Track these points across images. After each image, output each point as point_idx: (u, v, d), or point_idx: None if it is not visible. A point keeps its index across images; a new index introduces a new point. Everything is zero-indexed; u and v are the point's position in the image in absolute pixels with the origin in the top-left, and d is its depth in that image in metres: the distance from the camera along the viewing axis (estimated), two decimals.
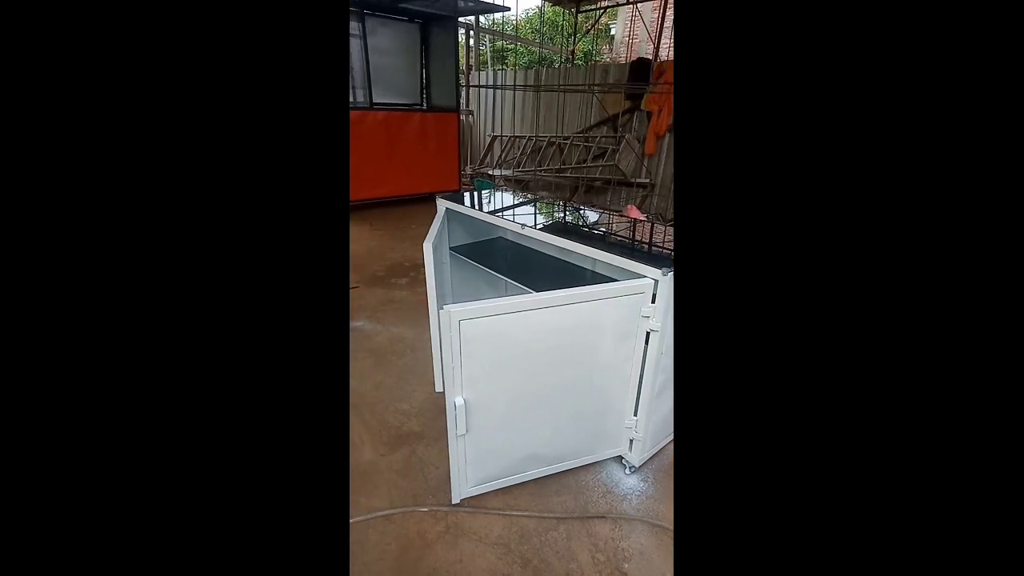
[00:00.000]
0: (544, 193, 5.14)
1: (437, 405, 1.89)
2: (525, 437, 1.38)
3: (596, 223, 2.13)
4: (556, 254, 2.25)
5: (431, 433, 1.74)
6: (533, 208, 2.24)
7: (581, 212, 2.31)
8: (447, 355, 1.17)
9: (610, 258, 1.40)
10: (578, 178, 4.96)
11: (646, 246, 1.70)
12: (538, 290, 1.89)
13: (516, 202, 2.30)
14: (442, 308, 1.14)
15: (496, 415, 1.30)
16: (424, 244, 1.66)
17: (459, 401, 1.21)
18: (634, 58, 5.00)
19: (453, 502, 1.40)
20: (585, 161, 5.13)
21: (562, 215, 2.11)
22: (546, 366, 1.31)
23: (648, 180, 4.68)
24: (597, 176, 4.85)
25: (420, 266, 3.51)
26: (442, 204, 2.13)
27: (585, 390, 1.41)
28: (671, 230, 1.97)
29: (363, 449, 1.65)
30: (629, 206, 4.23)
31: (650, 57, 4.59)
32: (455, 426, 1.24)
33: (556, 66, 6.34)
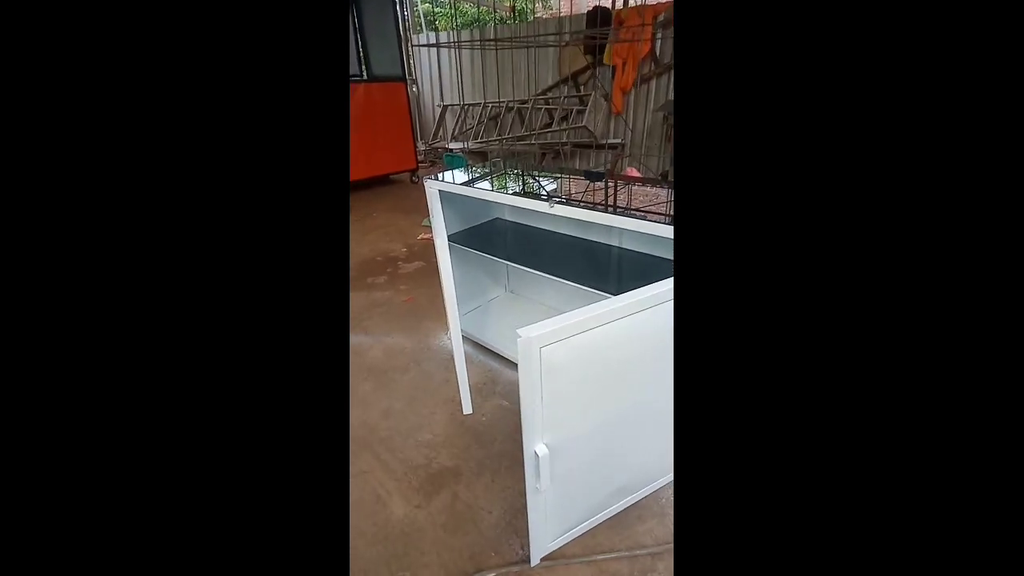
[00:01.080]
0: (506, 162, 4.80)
1: (466, 428, 1.60)
2: (610, 470, 1.13)
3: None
4: (569, 231, 1.97)
5: (469, 466, 1.45)
6: (519, 181, 1.93)
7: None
8: (528, 395, 0.88)
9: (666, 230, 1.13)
10: (544, 144, 4.63)
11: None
12: (566, 277, 1.61)
13: (499, 175, 1.97)
14: (519, 337, 0.84)
15: (581, 454, 1.03)
16: (436, 240, 1.33)
17: (542, 451, 0.93)
18: (590, 7, 4.64)
19: (532, 564, 1.14)
20: (549, 125, 4.80)
21: (551, 185, 1.82)
22: (629, 383, 1.05)
23: (619, 140, 4.44)
24: (565, 141, 4.55)
25: (396, 260, 3.12)
26: (433, 186, 1.77)
27: (667, 400, 1.16)
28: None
29: (391, 502, 1.35)
30: (629, 168, 3.99)
31: (607, 5, 4.26)
32: (535, 481, 0.97)
33: (502, 24, 5.85)
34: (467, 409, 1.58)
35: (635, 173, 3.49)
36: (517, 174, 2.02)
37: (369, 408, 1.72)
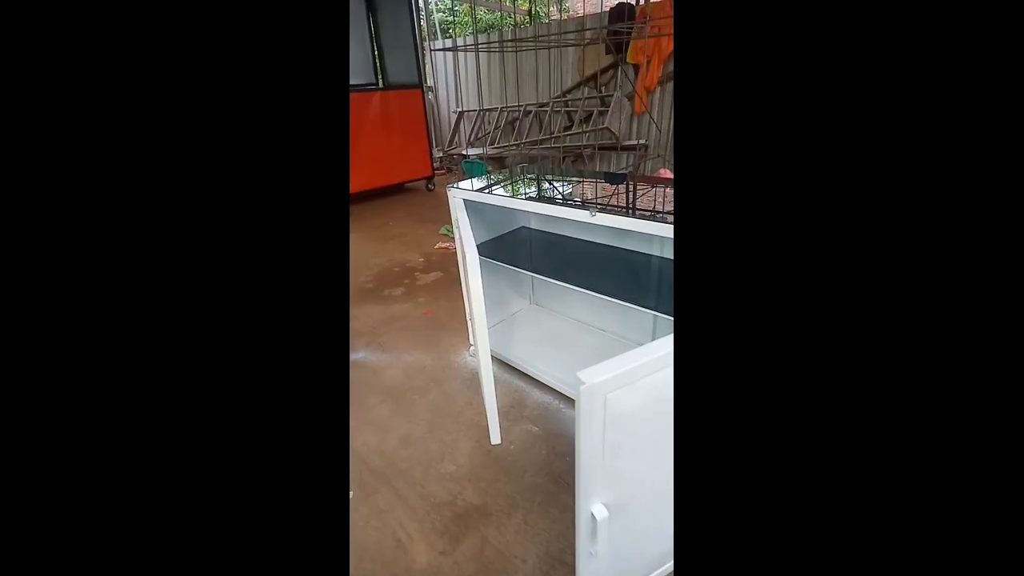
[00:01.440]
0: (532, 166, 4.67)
1: (493, 458, 1.45)
2: (664, 524, 0.96)
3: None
4: (601, 239, 1.81)
5: (498, 504, 1.30)
6: (539, 185, 1.78)
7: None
8: (587, 449, 0.73)
9: None
10: (565, 147, 4.48)
11: None
12: (600, 290, 1.46)
13: (526, 182, 1.83)
14: (582, 384, 0.69)
15: (639, 509, 0.87)
16: (467, 254, 1.18)
17: (600, 513, 0.77)
18: (608, 6, 4.50)
19: None
20: (569, 128, 4.66)
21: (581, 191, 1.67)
22: None
23: (642, 141, 4.26)
24: (585, 143, 4.39)
25: (414, 271, 3.00)
26: (457, 195, 1.64)
27: None
28: None
29: (413, 548, 1.20)
30: (663, 169, 3.82)
31: (631, 1, 4.11)
32: (590, 545, 0.81)
33: (521, 27, 5.74)
34: (495, 439, 1.43)
35: (668, 174, 3.30)
36: (537, 178, 1.88)
37: (387, 435, 1.59)
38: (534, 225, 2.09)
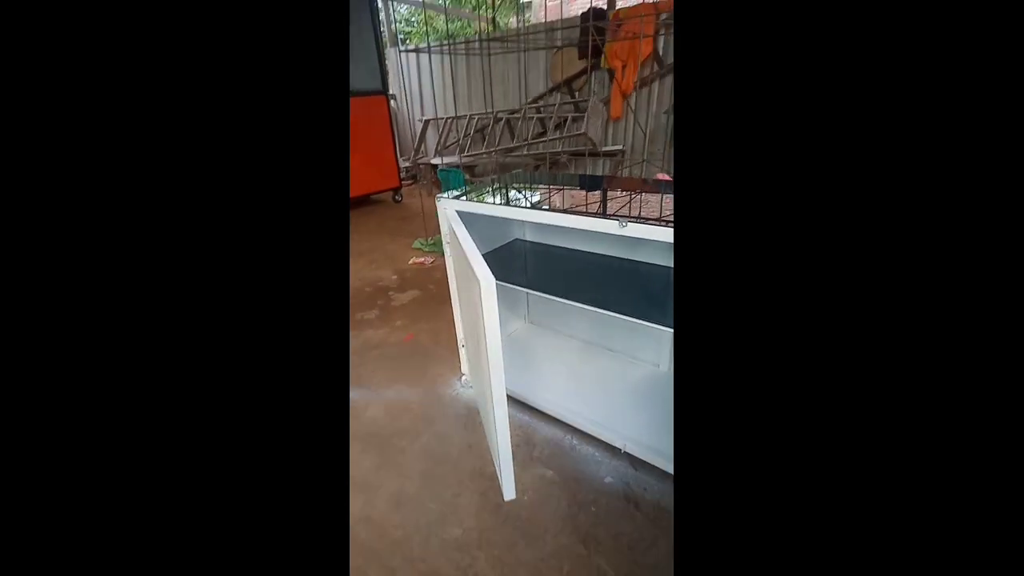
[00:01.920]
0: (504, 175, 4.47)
1: (505, 515, 1.21)
2: None
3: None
4: (604, 250, 1.62)
5: None
6: (534, 194, 1.58)
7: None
8: None
9: None
10: (538, 155, 4.32)
11: None
12: (610, 307, 1.26)
13: (512, 191, 1.62)
14: None
15: None
16: (478, 270, 0.95)
17: None
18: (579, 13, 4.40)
19: None
20: (542, 135, 4.50)
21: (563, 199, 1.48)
22: None
23: (620, 147, 4.16)
24: (561, 150, 4.25)
25: (387, 290, 2.72)
26: (448, 206, 1.41)
27: None
28: None
29: None
30: (660, 174, 3.68)
31: (603, 6, 4.02)
32: None
33: (483, 36, 5.58)
34: (509, 494, 1.19)
35: (665, 177, 3.18)
36: (526, 186, 1.67)
37: (374, 494, 1.31)
38: (529, 237, 1.87)
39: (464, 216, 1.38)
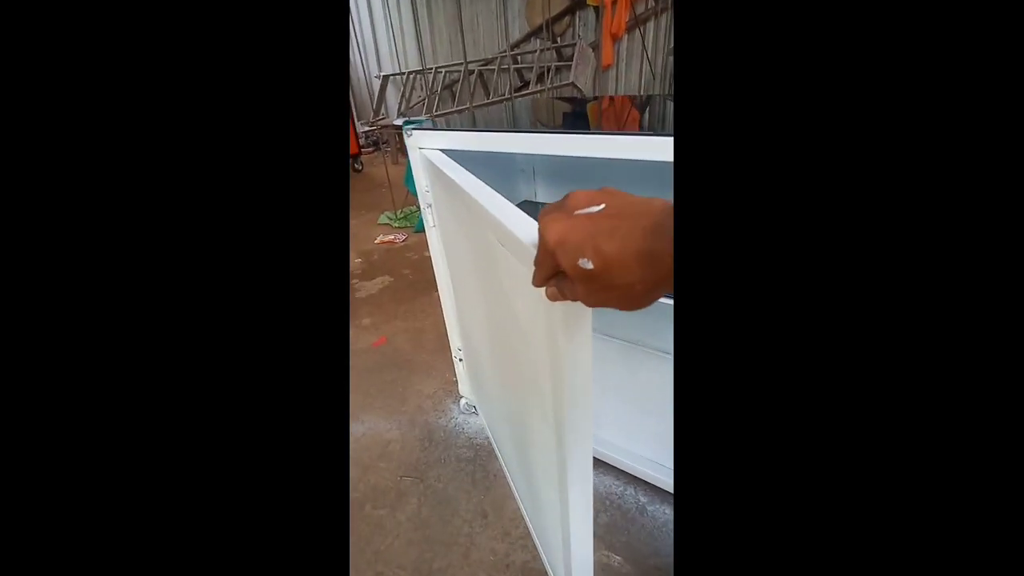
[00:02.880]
0: None
1: None
2: None
3: None
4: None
5: None
6: None
7: None
8: None
9: None
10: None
11: None
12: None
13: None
14: None
15: None
16: (527, 237, 0.42)
17: None
18: None
19: None
20: (523, 89, 3.92)
21: None
22: None
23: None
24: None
25: (351, 277, 2.14)
26: (424, 145, 0.88)
27: None
28: None
29: None
30: None
31: None
32: None
33: None
34: (552, 571, 0.71)
35: None
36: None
37: None
38: (542, 196, 1.35)
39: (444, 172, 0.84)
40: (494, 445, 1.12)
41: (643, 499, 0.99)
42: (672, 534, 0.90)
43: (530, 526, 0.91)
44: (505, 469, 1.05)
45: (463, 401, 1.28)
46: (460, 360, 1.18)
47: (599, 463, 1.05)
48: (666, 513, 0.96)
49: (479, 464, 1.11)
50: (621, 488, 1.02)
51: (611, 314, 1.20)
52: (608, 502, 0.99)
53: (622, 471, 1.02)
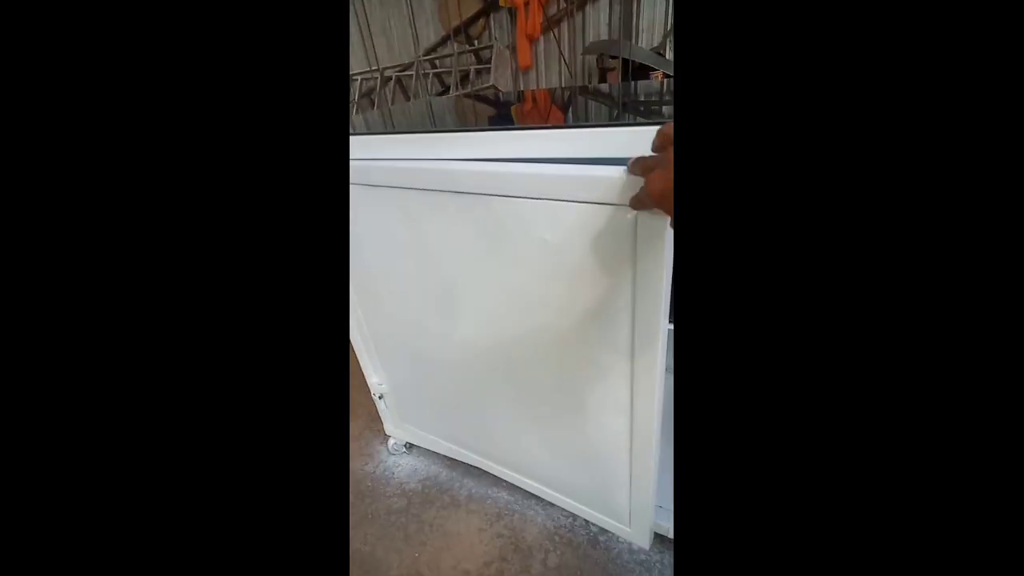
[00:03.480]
0: None
1: None
2: None
3: None
4: None
5: None
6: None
7: None
8: None
9: None
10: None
11: None
12: None
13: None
14: None
15: None
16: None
17: None
18: None
19: None
20: (444, 93, 3.80)
21: None
22: None
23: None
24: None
25: None
26: None
27: None
28: None
29: None
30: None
31: None
32: None
33: None
34: None
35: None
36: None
37: None
38: None
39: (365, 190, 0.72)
40: (467, 455, 1.00)
41: (594, 529, 0.90)
42: (637, 570, 0.82)
43: (554, 494, 0.88)
44: (490, 465, 0.97)
45: (391, 442, 1.14)
46: (380, 398, 1.04)
47: (542, 500, 0.95)
48: (620, 542, 0.88)
49: (412, 515, 0.97)
50: (570, 520, 0.92)
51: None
52: (558, 538, 0.90)
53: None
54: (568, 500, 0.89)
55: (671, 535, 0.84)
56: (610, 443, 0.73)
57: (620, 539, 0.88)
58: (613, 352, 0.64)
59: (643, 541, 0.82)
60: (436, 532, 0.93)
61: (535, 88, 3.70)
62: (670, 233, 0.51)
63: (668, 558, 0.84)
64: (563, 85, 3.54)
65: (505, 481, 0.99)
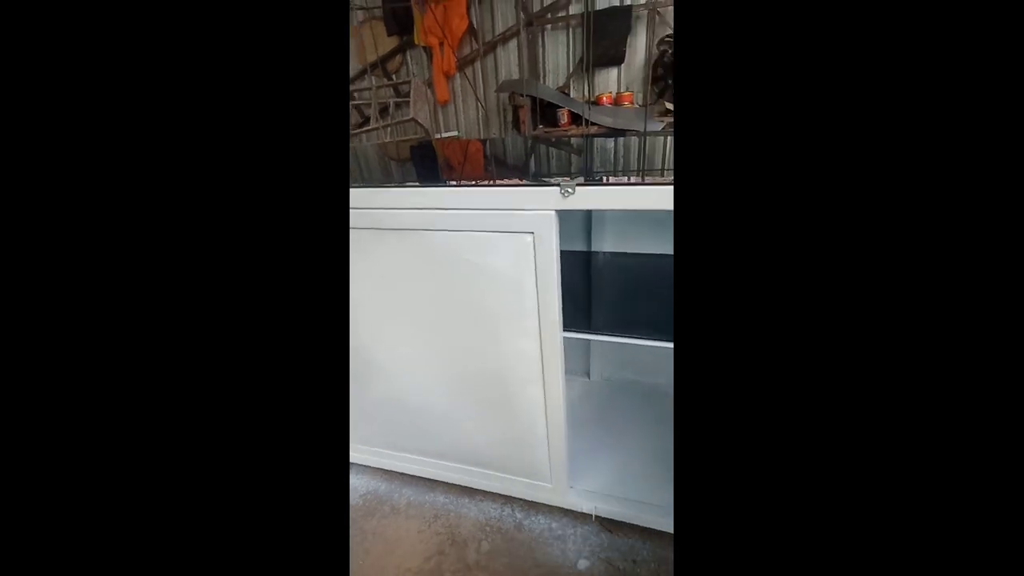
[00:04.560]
0: None
1: None
2: None
3: None
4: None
5: None
6: None
7: None
8: None
9: None
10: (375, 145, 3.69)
11: None
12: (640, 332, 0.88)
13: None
14: None
15: None
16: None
17: None
18: None
19: None
20: (364, 124, 3.88)
21: None
22: None
23: (455, 133, 3.80)
24: (391, 140, 3.70)
25: None
26: None
27: None
28: None
29: None
30: None
31: None
32: None
33: None
34: None
35: None
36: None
37: None
38: None
39: None
40: (408, 458, 1.10)
41: (519, 515, 1.04)
42: (553, 544, 0.96)
43: (489, 472, 1.02)
44: (431, 462, 1.09)
45: None
46: None
47: (476, 491, 1.08)
48: (541, 523, 1.03)
49: (356, 528, 1.05)
50: (499, 510, 1.06)
51: None
52: (489, 528, 1.03)
53: (499, 494, 1.07)
54: (500, 474, 1.03)
55: (580, 509, 1.00)
56: (528, 411, 0.92)
57: (540, 522, 1.03)
58: (525, 337, 0.85)
59: (563, 499, 0.98)
60: (378, 539, 1.02)
61: (455, 121, 3.90)
62: (557, 253, 0.73)
63: (580, 531, 1.00)
64: (480, 118, 3.77)
65: (441, 484, 1.11)
